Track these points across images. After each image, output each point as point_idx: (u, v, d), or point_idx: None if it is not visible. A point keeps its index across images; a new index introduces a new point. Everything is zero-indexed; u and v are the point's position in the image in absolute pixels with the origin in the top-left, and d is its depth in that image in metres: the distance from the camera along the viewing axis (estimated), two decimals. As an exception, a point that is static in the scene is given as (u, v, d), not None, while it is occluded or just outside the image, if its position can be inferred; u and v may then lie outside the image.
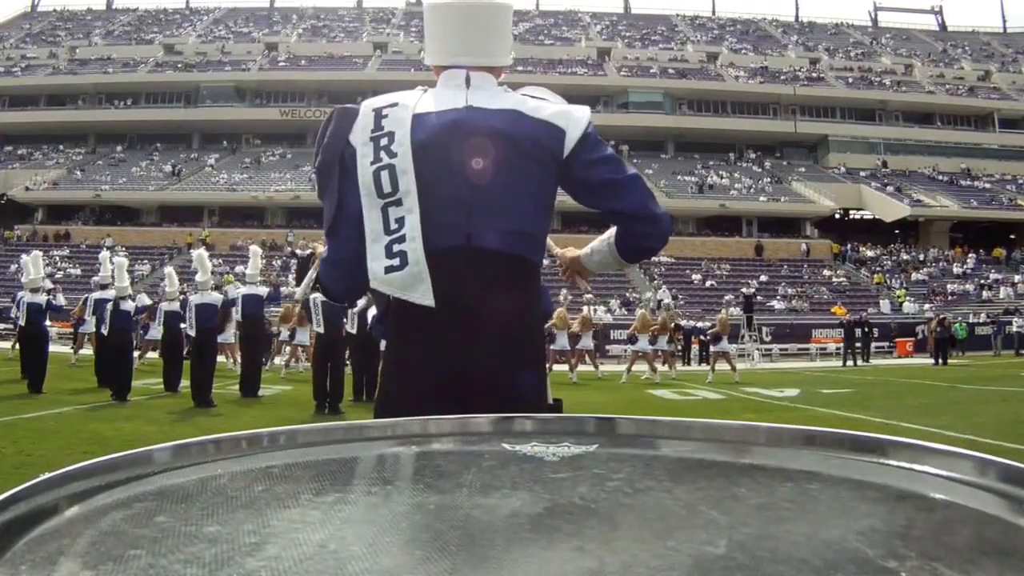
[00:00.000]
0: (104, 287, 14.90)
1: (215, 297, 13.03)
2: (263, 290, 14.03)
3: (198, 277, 13.12)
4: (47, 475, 0.77)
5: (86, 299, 17.75)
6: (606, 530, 0.69)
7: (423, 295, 1.95)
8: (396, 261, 1.97)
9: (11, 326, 20.22)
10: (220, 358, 15.06)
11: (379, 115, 2.06)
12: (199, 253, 13.55)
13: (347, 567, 0.59)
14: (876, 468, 0.91)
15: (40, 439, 7.94)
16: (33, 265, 14.56)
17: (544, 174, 2.06)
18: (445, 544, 0.65)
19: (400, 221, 1.98)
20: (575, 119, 2.07)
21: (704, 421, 1.12)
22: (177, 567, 0.59)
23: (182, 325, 13.20)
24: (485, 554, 0.63)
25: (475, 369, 1.94)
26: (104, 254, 16.75)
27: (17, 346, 17.85)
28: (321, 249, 2.42)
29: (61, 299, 15.52)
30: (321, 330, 12.28)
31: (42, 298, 14.18)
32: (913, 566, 0.55)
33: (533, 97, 2.13)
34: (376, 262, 1.99)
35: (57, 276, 38.88)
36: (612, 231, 2.22)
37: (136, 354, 16.32)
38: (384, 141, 2.01)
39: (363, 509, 0.77)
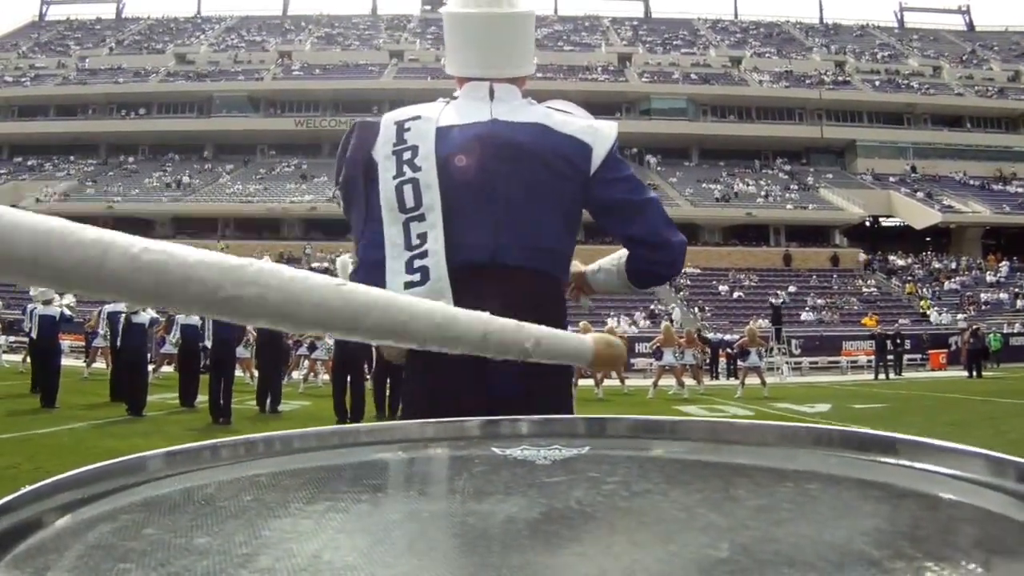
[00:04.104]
0: None
1: None
2: None
3: None
4: (29, 487, 0.76)
5: (100, 311, 17.94)
6: (606, 535, 0.70)
7: None
8: (417, 276, 1.93)
9: (23, 339, 20.21)
10: (237, 372, 14.77)
11: (401, 128, 2.03)
12: None
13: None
14: (878, 467, 0.89)
15: (55, 455, 7.88)
16: None
17: (571, 190, 2.01)
18: (443, 553, 0.66)
19: (422, 236, 1.94)
20: (602, 135, 2.04)
21: (697, 420, 1.10)
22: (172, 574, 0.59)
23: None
24: (484, 562, 0.63)
25: (499, 391, 1.86)
26: None
27: (28, 359, 17.92)
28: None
29: (67, 311, 15.17)
30: (333, 342, 11.93)
31: (55, 310, 14.09)
32: (920, 566, 0.56)
33: (558, 110, 2.08)
34: (396, 277, 1.94)
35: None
36: (623, 253, 2.17)
37: (151, 368, 16.50)
38: (407, 155, 1.98)
39: (356, 517, 0.77)
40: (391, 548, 0.67)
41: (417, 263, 1.93)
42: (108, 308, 15.15)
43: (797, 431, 1.02)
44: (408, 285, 1.92)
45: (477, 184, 1.96)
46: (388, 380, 12.54)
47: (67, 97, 59.54)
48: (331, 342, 12.21)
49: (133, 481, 0.89)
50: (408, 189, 1.95)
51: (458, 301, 1.85)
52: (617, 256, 2.21)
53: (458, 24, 2.15)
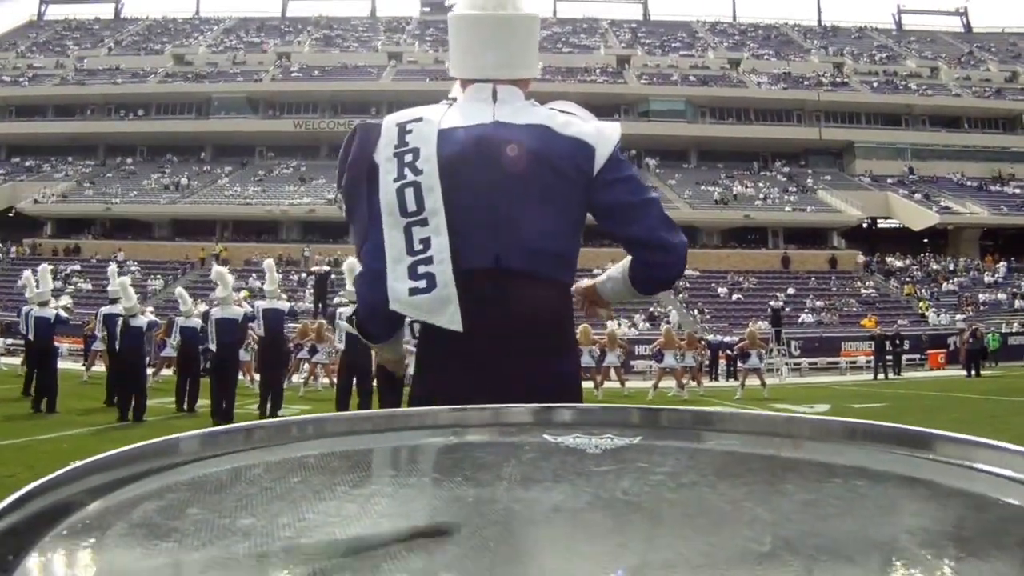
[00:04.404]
0: (114, 301, 14.35)
1: (236, 311, 12.59)
2: (284, 305, 13.68)
3: (219, 291, 12.71)
4: (77, 463, 0.77)
5: (98, 313, 17.53)
6: (649, 526, 0.69)
7: (450, 319, 1.89)
8: (422, 283, 1.89)
9: (20, 341, 19.68)
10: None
11: (403, 130, 2.00)
12: (219, 269, 13.22)
13: (384, 563, 0.59)
14: (924, 464, 0.89)
15: (57, 462, 7.21)
16: (42, 278, 14.24)
17: (574, 192, 1.99)
18: (484, 540, 0.65)
19: (425, 242, 1.91)
20: (605, 137, 2.02)
21: (748, 412, 1.10)
22: (214, 556, 0.60)
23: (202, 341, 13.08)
24: (525, 550, 0.63)
25: (505, 398, 1.61)
26: (112, 268, 16.35)
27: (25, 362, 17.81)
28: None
29: (64, 312, 15.06)
30: (342, 347, 11.76)
31: (51, 312, 13.95)
32: (964, 566, 0.56)
33: (562, 112, 2.06)
34: (399, 283, 1.91)
35: (68, 291, 38.43)
36: (628, 259, 2.13)
37: (150, 371, 16.44)
38: (408, 157, 1.95)
39: (401, 502, 0.77)
40: (434, 535, 0.67)
41: (421, 269, 1.90)
42: (104, 310, 14.93)
43: (847, 426, 1.02)
44: (413, 292, 1.89)
45: (480, 187, 1.93)
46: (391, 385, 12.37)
47: (65, 97, 59.28)
48: (338, 346, 12.04)
49: (180, 460, 0.90)
50: (409, 192, 1.92)
51: (463, 307, 1.87)
52: (624, 264, 2.17)
53: (463, 26, 2.13)
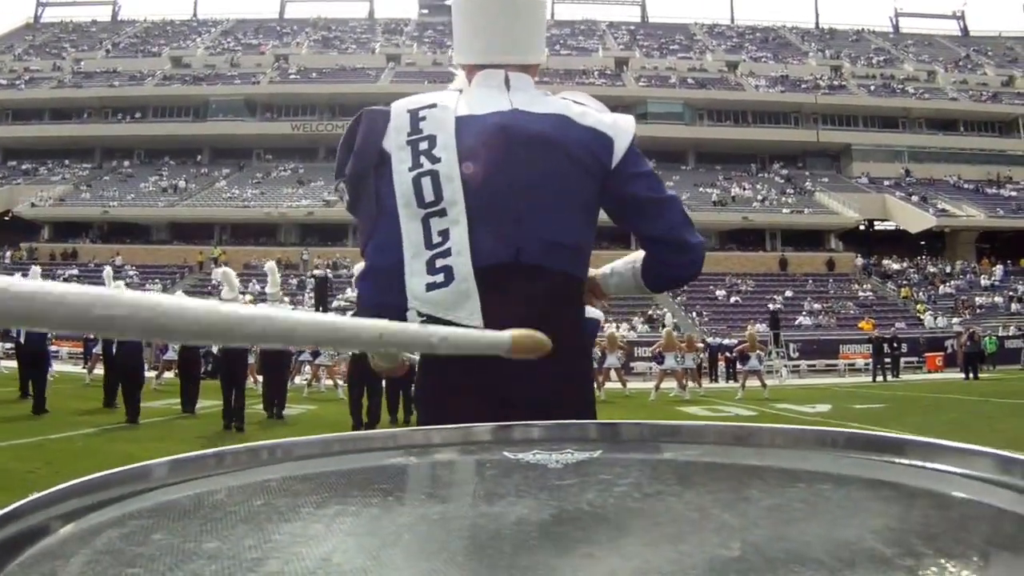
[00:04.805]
0: None
1: None
2: (287, 307, 13.59)
3: (224, 293, 12.58)
4: (38, 494, 0.77)
5: None
6: (616, 536, 0.69)
7: (470, 315, 1.82)
8: (440, 277, 1.82)
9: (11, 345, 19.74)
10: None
11: (416, 116, 1.91)
12: (225, 270, 13.10)
13: None
14: (889, 467, 0.90)
15: (74, 459, 7.90)
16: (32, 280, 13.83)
17: (591, 185, 1.92)
18: (452, 555, 0.66)
19: (444, 234, 1.83)
20: (622, 128, 1.97)
21: (709, 424, 1.11)
22: None
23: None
24: (493, 563, 0.63)
25: (523, 398, 1.75)
26: (108, 270, 16.20)
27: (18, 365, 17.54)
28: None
29: None
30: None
31: None
32: (931, 564, 0.56)
33: (575, 102, 1.99)
34: (416, 279, 1.84)
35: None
36: (639, 254, 2.09)
37: (154, 375, 16.59)
38: (424, 145, 1.87)
39: (366, 521, 0.77)
40: (401, 551, 0.67)
41: (440, 263, 1.82)
42: None
43: (808, 434, 1.02)
44: (431, 287, 1.82)
45: (500, 177, 1.85)
46: (401, 388, 12.40)
47: (62, 100, 59.19)
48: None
49: (142, 487, 0.89)
50: (427, 182, 1.84)
51: (482, 304, 1.81)
52: (632, 258, 2.12)
53: (473, 8, 2.05)
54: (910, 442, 0.91)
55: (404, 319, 1.92)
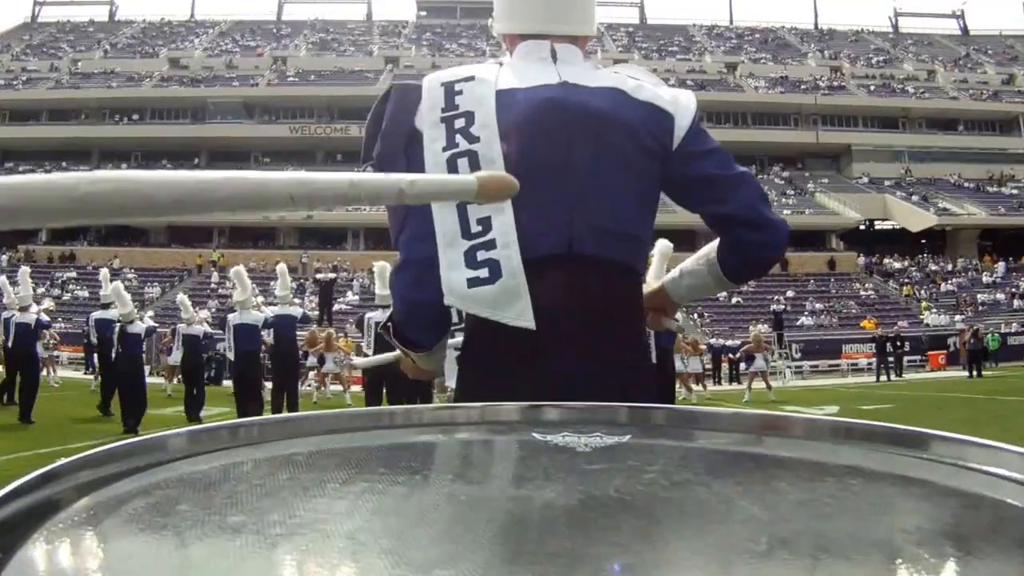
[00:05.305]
0: (105, 306, 14.05)
1: (256, 316, 12.20)
2: (297, 310, 13.38)
3: (236, 295, 12.38)
4: (63, 461, 0.77)
5: (89, 319, 17.18)
6: (644, 525, 0.69)
7: (520, 314, 1.63)
8: (484, 272, 1.64)
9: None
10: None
11: (451, 91, 1.72)
12: (238, 269, 12.85)
13: (377, 560, 0.58)
14: (920, 463, 0.88)
15: None
16: (21, 282, 13.87)
17: (651, 167, 1.75)
18: (478, 537, 0.65)
19: (485, 222, 1.65)
20: (683, 105, 1.78)
21: (738, 411, 1.09)
22: (203, 555, 0.60)
23: (220, 346, 13.12)
24: (520, 548, 0.62)
25: (563, 382, 1.58)
26: (104, 272, 15.92)
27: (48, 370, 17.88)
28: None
29: (44, 316, 14.70)
30: (371, 352, 11.18)
31: (31, 317, 13.44)
32: (961, 564, 0.56)
33: (629, 76, 1.80)
34: (454, 272, 1.65)
35: (65, 298, 38.30)
36: (710, 247, 1.91)
37: (161, 380, 16.80)
38: (460, 122, 1.69)
39: (392, 499, 0.76)
40: (427, 531, 0.67)
41: (482, 255, 1.64)
42: (96, 315, 14.52)
43: (842, 425, 0.98)
44: (473, 282, 1.64)
45: (549, 159, 1.68)
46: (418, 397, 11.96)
47: (60, 101, 58.87)
48: (367, 352, 11.63)
49: (169, 457, 0.87)
50: (463, 163, 1.66)
51: (533, 302, 1.65)
52: (703, 252, 1.94)
53: None
54: (940, 437, 0.89)
55: (444, 317, 1.82)
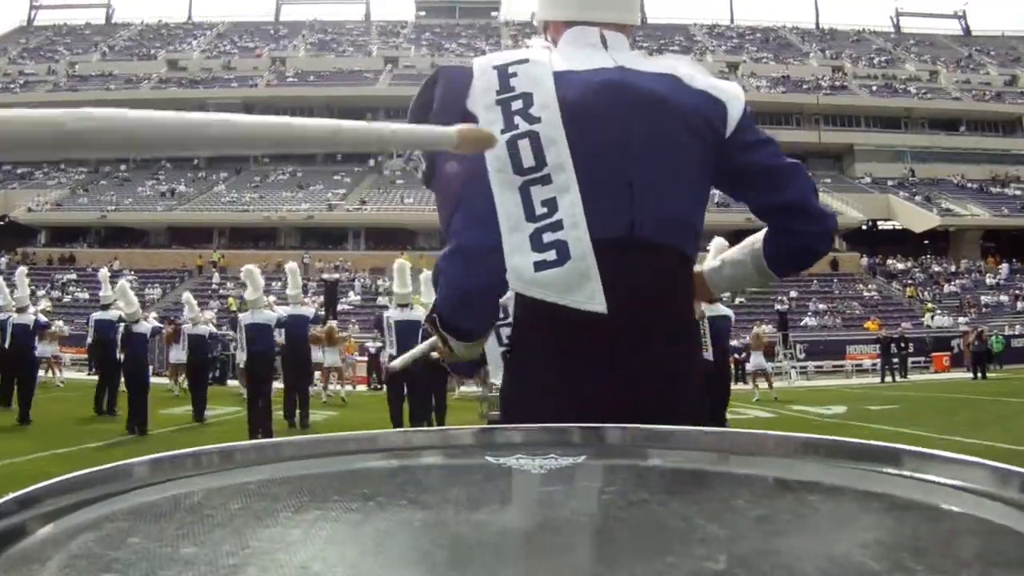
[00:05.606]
0: (105, 307, 14.02)
1: (269, 316, 11.87)
2: (308, 310, 13.29)
3: (247, 294, 12.05)
4: (12, 495, 0.76)
5: (88, 319, 16.94)
6: (601, 546, 0.69)
7: (591, 297, 1.58)
8: (552, 254, 1.59)
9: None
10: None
11: (505, 73, 1.69)
12: (249, 268, 12.47)
13: None
14: (880, 477, 0.88)
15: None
16: (19, 282, 13.80)
17: (706, 154, 1.72)
18: (434, 564, 0.65)
19: (550, 203, 1.61)
20: (733, 94, 1.77)
21: (693, 429, 1.09)
22: None
23: (232, 347, 13.24)
24: (475, 573, 0.63)
25: (642, 395, 1.58)
26: (103, 272, 15.77)
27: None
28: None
29: (43, 317, 14.62)
30: (394, 351, 10.91)
31: (29, 318, 13.41)
32: None
33: (682, 65, 1.79)
34: (521, 257, 1.60)
35: (65, 300, 38.09)
36: (756, 236, 1.87)
37: (170, 381, 16.76)
38: (518, 104, 1.65)
39: (346, 527, 0.76)
40: (381, 559, 0.66)
41: (548, 237, 1.59)
42: (96, 316, 14.35)
43: (797, 441, 0.97)
44: (540, 266, 1.59)
45: (611, 140, 1.65)
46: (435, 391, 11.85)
47: (57, 104, 57.43)
48: (389, 351, 11.33)
49: (119, 488, 0.85)
50: (525, 144, 1.62)
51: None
52: (748, 242, 1.90)
53: None
54: (902, 451, 0.88)
55: (495, 305, 1.72)
